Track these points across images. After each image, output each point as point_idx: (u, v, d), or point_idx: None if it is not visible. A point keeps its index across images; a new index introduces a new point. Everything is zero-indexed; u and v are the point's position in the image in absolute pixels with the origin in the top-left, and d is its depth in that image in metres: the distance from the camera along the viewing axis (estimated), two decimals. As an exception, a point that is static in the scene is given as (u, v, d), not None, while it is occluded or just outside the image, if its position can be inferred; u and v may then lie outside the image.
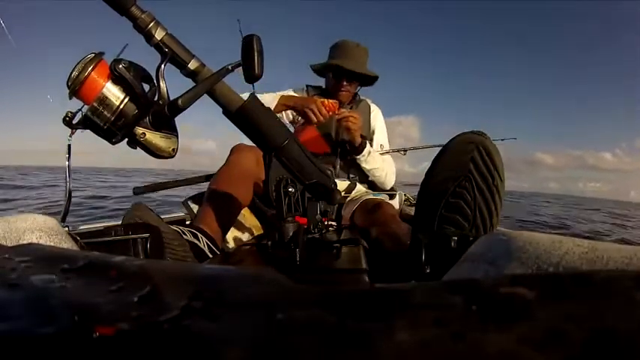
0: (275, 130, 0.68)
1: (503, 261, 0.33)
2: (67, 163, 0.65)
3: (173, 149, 0.65)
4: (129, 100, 0.58)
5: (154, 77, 0.59)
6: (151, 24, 0.57)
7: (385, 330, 0.13)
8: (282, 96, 1.29)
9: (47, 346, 0.12)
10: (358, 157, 1.32)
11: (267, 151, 0.69)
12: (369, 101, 1.50)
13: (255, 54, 0.62)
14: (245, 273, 0.19)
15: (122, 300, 0.16)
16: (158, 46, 0.58)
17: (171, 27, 0.59)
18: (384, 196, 1.26)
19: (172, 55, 0.59)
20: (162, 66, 0.58)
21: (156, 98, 0.59)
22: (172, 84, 0.59)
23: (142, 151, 0.64)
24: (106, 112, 0.57)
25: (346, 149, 1.35)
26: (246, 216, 1.13)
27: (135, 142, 0.62)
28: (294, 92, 1.46)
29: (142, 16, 0.56)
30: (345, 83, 1.36)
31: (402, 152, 1.57)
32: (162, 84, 0.58)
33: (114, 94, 0.58)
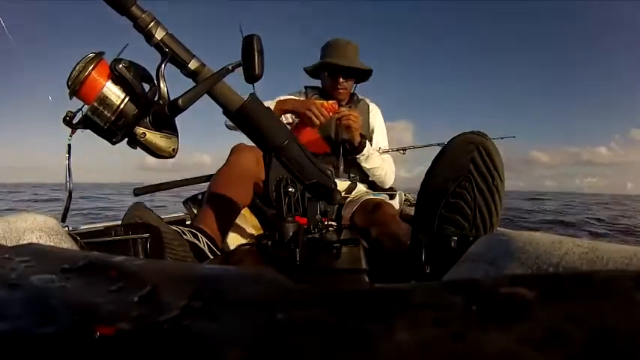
0: (275, 130, 0.68)
1: (503, 261, 0.33)
2: (67, 163, 0.65)
3: (173, 149, 0.65)
4: (129, 99, 0.58)
5: (154, 77, 0.59)
6: (151, 24, 0.57)
7: (385, 330, 0.13)
8: (279, 101, 1.29)
9: (47, 346, 0.12)
10: (358, 156, 1.32)
11: (267, 151, 0.69)
12: (367, 100, 1.51)
13: (256, 54, 0.62)
14: (245, 273, 0.19)
15: (122, 300, 0.16)
16: (158, 46, 0.58)
17: (171, 27, 0.59)
18: (384, 196, 1.26)
19: (172, 55, 0.59)
20: (163, 66, 0.58)
21: (156, 98, 0.59)
22: (172, 84, 0.59)
23: (143, 152, 0.64)
24: (106, 112, 0.57)
25: (346, 149, 1.35)
26: (247, 216, 1.13)
27: (135, 142, 0.62)
28: (291, 96, 1.46)
29: (142, 15, 0.56)
30: (341, 80, 1.37)
31: (402, 151, 1.57)
32: (162, 84, 0.58)
33: (114, 93, 0.58)
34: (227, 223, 0.92)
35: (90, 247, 0.59)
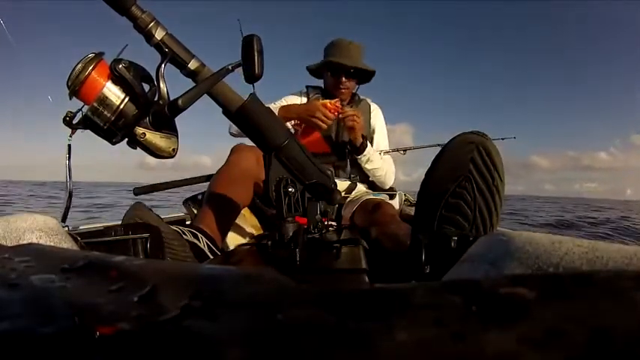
0: (275, 130, 0.68)
1: (503, 261, 0.33)
2: (67, 163, 0.65)
3: (173, 149, 0.65)
4: (129, 100, 0.58)
5: (154, 77, 0.59)
6: (151, 24, 0.57)
7: (385, 330, 0.13)
8: (282, 108, 1.29)
9: (47, 346, 0.12)
10: (359, 156, 1.32)
11: (267, 151, 0.69)
12: (369, 100, 1.50)
13: (255, 54, 0.62)
14: (245, 273, 0.19)
15: (122, 300, 0.16)
16: (158, 46, 0.58)
17: (171, 27, 0.59)
18: (384, 196, 1.26)
19: (172, 55, 0.59)
20: (163, 66, 0.58)
21: (156, 98, 0.59)
22: (172, 84, 0.59)
23: (143, 152, 0.64)
24: (106, 112, 0.57)
25: (347, 149, 1.35)
26: (247, 216, 1.13)
27: (135, 142, 0.62)
28: (293, 96, 1.46)
29: (142, 16, 0.56)
30: (344, 80, 1.36)
31: (402, 152, 1.57)
32: (162, 84, 0.58)
33: (114, 93, 0.58)
34: (227, 223, 0.92)
35: (90, 247, 0.59)
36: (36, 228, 0.45)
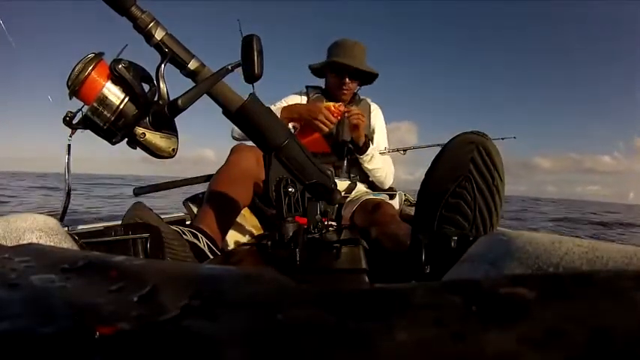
0: (275, 130, 0.68)
1: (503, 261, 0.33)
2: (66, 163, 0.65)
3: (173, 149, 0.65)
4: (129, 100, 0.58)
5: (154, 77, 0.59)
6: (151, 24, 0.57)
7: (385, 330, 0.13)
8: (284, 108, 1.28)
9: (47, 346, 0.12)
10: (362, 156, 1.32)
11: (267, 151, 0.69)
12: (369, 100, 1.50)
13: (255, 54, 0.62)
14: (245, 273, 0.19)
15: (122, 300, 0.16)
16: (158, 46, 0.58)
17: (171, 27, 0.59)
18: (384, 196, 1.26)
19: (172, 55, 0.59)
20: (162, 66, 0.58)
21: (156, 98, 0.59)
22: (172, 84, 0.59)
23: (143, 152, 0.64)
24: (106, 112, 0.57)
25: (349, 149, 1.35)
26: (247, 216, 1.13)
27: (135, 142, 0.62)
28: (293, 96, 1.46)
29: (142, 16, 0.56)
30: (347, 80, 1.36)
31: (402, 152, 1.57)
32: (162, 84, 0.58)
33: (114, 94, 0.58)
34: (227, 223, 0.92)
35: (90, 247, 0.59)
36: (36, 228, 0.45)
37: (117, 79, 0.57)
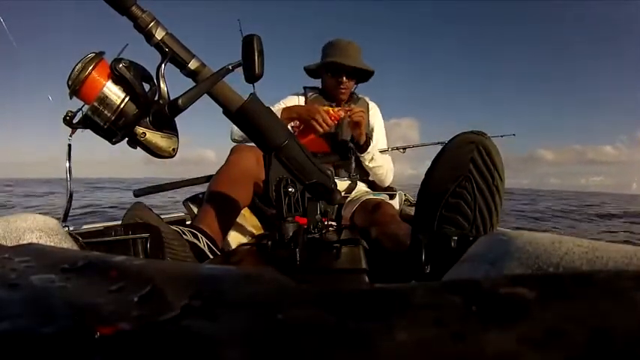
0: (275, 130, 0.68)
1: (503, 261, 0.32)
2: (67, 163, 0.65)
3: (173, 149, 0.65)
4: (129, 99, 0.58)
5: (155, 77, 0.59)
6: (152, 24, 0.57)
7: (385, 330, 0.13)
8: (284, 109, 1.29)
9: (47, 346, 0.12)
10: (363, 154, 1.32)
11: (267, 151, 0.69)
12: (367, 99, 1.51)
13: (256, 54, 0.62)
14: (245, 273, 0.19)
15: (122, 300, 0.16)
16: (158, 46, 0.58)
17: (171, 27, 0.59)
18: (384, 196, 1.26)
19: (173, 55, 0.59)
20: (163, 66, 0.58)
21: (156, 98, 0.59)
22: (172, 84, 0.59)
23: (143, 151, 0.64)
24: (106, 112, 0.57)
25: (348, 149, 1.35)
26: (247, 216, 1.13)
27: (135, 142, 0.62)
28: (291, 97, 1.46)
29: (143, 15, 0.56)
30: (344, 80, 1.36)
31: (402, 150, 1.57)
32: (162, 84, 0.58)
33: (114, 93, 0.58)
34: (227, 223, 0.92)
35: (90, 247, 0.59)
36: (36, 228, 0.45)
37: (117, 79, 0.57)
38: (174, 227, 0.72)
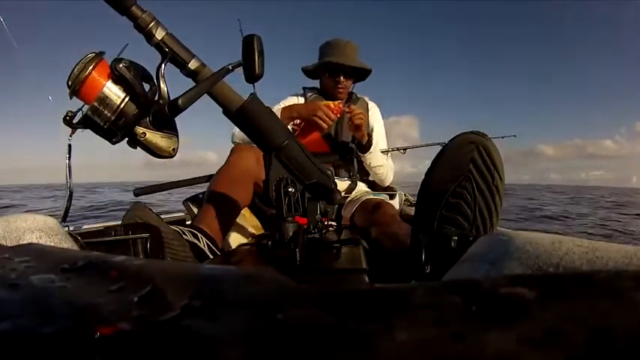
0: (275, 130, 0.68)
1: (503, 261, 0.32)
2: (67, 163, 0.65)
3: (173, 149, 0.65)
4: (129, 99, 0.58)
5: (155, 77, 0.59)
6: (152, 24, 0.57)
7: (385, 330, 0.13)
8: (284, 108, 1.29)
9: (47, 346, 0.12)
10: (365, 155, 1.32)
11: (267, 151, 0.69)
12: (366, 99, 1.51)
13: (256, 54, 0.62)
14: (245, 273, 0.19)
15: (122, 300, 0.16)
16: (158, 46, 0.58)
17: (171, 27, 0.59)
18: (384, 196, 1.26)
19: (173, 55, 0.59)
20: (163, 66, 0.58)
21: (156, 98, 0.59)
22: (172, 84, 0.59)
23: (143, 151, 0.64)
24: (106, 112, 0.57)
25: (348, 149, 1.35)
26: (247, 216, 1.13)
27: (135, 142, 0.62)
28: (291, 98, 1.46)
29: (143, 15, 0.56)
30: (342, 79, 1.36)
31: (402, 151, 1.57)
32: (162, 84, 0.58)
33: (114, 93, 0.58)
34: (227, 223, 0.92)
35: (90, 247, 0.59)
36: (36, 228, 0.45)
37: (117, 79, 0.57)
38: (174, 227, 0.72)
